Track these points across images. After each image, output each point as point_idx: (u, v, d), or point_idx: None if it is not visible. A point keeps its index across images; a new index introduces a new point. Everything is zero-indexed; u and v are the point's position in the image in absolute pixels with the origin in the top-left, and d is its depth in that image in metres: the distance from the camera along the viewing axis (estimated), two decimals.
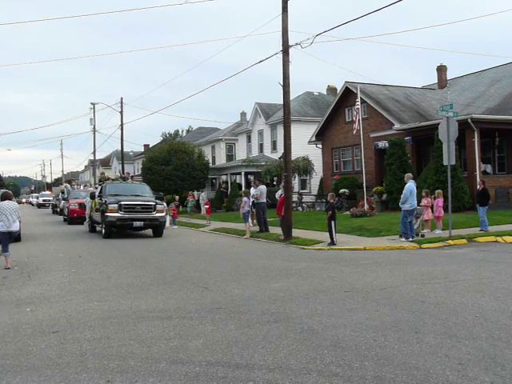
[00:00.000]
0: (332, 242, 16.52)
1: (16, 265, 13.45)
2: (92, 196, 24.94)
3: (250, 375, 5.07)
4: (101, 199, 23.00)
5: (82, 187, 44.90)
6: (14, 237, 13.38)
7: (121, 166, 49.89)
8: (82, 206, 30.58)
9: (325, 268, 12.20)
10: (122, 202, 21.58)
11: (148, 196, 23.81)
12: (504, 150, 27.84)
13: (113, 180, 27.79)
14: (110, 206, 21.38)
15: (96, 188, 31.33)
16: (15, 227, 13.23)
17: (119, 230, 22.54)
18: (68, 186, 43.38)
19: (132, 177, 29.66)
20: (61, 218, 37.74)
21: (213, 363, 5.45)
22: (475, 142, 24.77)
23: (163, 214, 22.86)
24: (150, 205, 22.11)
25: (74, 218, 31.67)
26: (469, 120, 23.94)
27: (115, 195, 22.69)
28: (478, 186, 19.25)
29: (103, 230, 22.04)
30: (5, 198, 13.64)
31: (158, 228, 22.51)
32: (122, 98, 47.75)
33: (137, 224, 21.66)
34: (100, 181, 27.98)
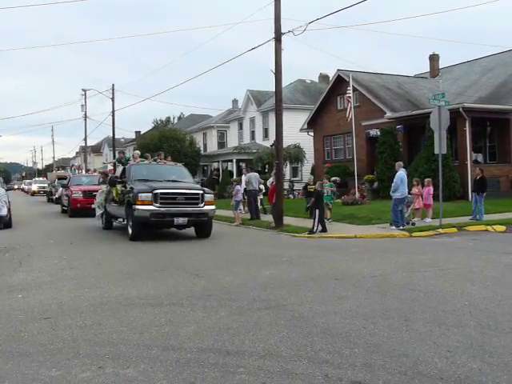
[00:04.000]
0: (312, 230, 16.66)
1: (7, 252, 13.44)
2: (112, 182, 18.49)
3: (240, 362, 5.10)
4: (124, 186, 17.03)
5: (83, 172, 38.22)
6: (5, 221, 13.70)
7: (112, 152, 49.70)
8: (86, 194, 25.56)
9: (315, 256, 12.25)
10: (159, 190, 15.47)
11: (189, 182, 17.98)
12: (495, 140, 27.96)
13: (136, 160, 20.03)
14: (141, 196, 15.38)
15: (101, 173, 27.04)
16: (3, 212, 13.46)
17: (153, 228, 16.81)
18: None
19: (165, 156, 22.29)
20: (58, 207, 32.14)
21: (204, 350, 5.48)
22: (467, 131, 24.82)
23: (213, 207, 16.78)
24: (197, 194, 16.14)
25: (76, 209, 26.03)
26: (460, 109, 23.99)
27: (145, 180, 16.69)
28: (477, 175, 19.25)
29: (130, 230, 16.03)
30: None
31: (205, 226, 16.64)
32: (113, 85, 47.52)
33: (179, 221, 15.58)
34: (120, 162, 21.06)
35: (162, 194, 15.45)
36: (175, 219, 15.53)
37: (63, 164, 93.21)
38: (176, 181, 17.34)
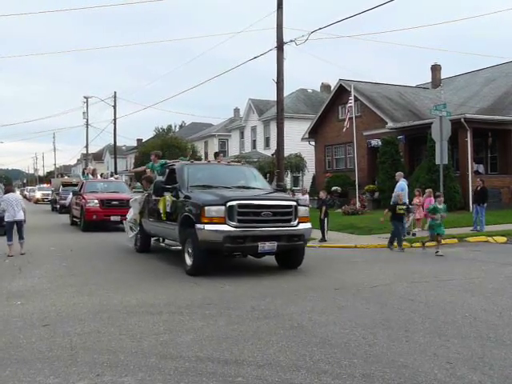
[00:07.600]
0: (323, 239, 16.67)
1: (7, 258, 13.43)
2: (158, 189, 12.56)
3: (239, 371, 5.08)
4: (176, 195, 11.85)
5: (98, 176, 31.09)
6: (21, 225, 14.59)
7: (113, 160, 49.73)
8: (105, 203, 21.46)
9: (315, 265, 12.21)
10: (235, 202, 10.38)
11: (267, 189, 12.83)
12: (496, 150, 27.97)
13: (188, 160, 15.17)
14: (210, 211, 10.28)
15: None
16: (19, 216, 14.53)
17: (225, 257, 11.80)
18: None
19: (218, 153, 17.23)
20: (65, 218, 27.78)
21: (202, 359, 5.45)
22: (468, 142, 24.85)
23: (309, 226, 11.49)
24: (289, 206, 10.97)
25: (91, 221, 21.53)
26: (462, 120, 24.03)
27: (204, 187, 11.87)
28: (478, 186, 19.21)
29: (188, 259, 10.87)
30: (8, 191, 15.42)
31: (296, 252, 11.57)
32: (115, 92, 47.66)
33: (265, 247, 10.46)
34: (153, 168, 15.62)
35: (240, 206, 10.40)
36: (260, 245, 10.44)
37: (65, 171, 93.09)
38: (249, 187, 12.51)
